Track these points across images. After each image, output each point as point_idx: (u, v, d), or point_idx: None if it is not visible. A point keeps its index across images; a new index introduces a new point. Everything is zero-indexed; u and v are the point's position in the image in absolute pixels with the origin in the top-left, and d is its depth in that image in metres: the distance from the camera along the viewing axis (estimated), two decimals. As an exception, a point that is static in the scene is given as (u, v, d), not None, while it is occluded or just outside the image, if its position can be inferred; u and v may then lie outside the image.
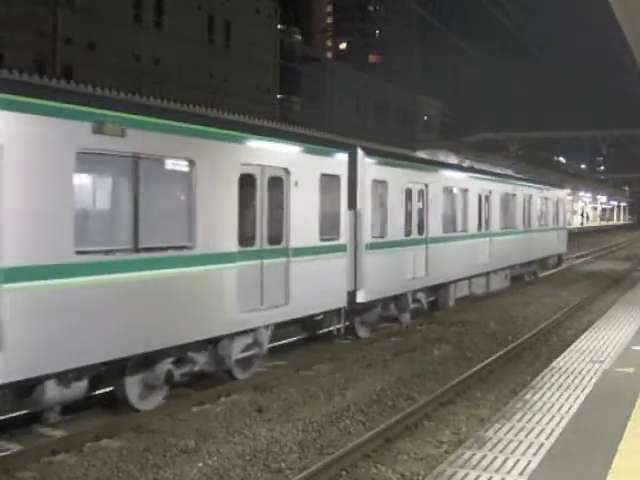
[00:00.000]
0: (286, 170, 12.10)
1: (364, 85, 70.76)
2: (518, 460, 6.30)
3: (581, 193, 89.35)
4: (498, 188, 23.22)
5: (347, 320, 14.67)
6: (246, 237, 11.03)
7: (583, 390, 8.69)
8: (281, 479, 8.00)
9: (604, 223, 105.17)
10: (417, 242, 16.98)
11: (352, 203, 14.25)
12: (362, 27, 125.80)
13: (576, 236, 68.44)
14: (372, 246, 14.81)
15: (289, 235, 12.19)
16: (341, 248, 13.80)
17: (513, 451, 6.54)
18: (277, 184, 11.97)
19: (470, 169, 22.06)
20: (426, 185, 17.51)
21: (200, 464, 8.31)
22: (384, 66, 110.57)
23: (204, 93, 37.82)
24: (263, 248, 11.47)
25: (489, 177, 23.15)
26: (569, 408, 7.91)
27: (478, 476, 5.94)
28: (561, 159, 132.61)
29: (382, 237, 15.37)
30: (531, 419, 7.52)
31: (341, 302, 13.83)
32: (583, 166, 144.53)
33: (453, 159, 21.62)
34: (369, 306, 15.15)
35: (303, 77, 60.91)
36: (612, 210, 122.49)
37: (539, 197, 28.35)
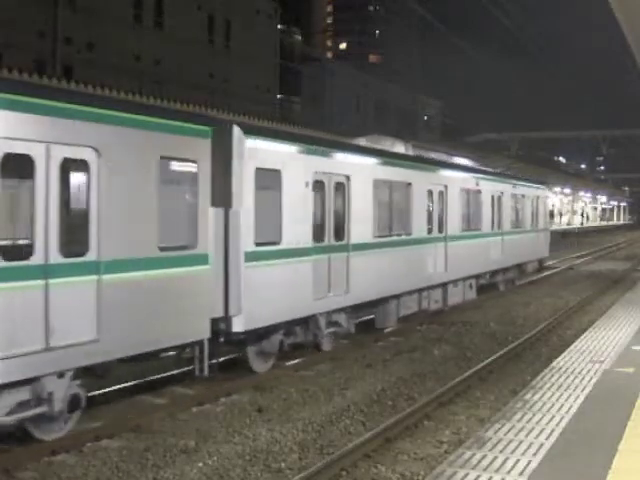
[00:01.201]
0: (96, 151, 8.68)
1: (364, 85, 70.78)
2: (518, 460, 6.30)
3: (581, 193, 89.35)
4: (457, 183, 19.69)
5: (230, 352, 12.47)
6: None
7: (583, 390, 8.69)
8: (281, 479, 8.00)
9: (604, 223, 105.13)
10: (333, 249, 13.47)
11: (222, 199, 10.80)
12: (362, 27, 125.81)
13: (576, 236, 68.53)
14: (256, 256, 11.24)
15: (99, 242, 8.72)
16: (198, 259, 10.19)
17: (513, 451, 6.54)
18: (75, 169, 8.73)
19: (416, 159, 18.54)
20: (348, 177, 14.00)
21: (200, 464, 8.31)
22: (384, 66, 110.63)
23: (204, 93, 37.83)
24: None
25: (444, 170, 19.69)
26: (569, 408, 7.91)
27: (478, 476, 5.94)
28: (561, 159, 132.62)
29: (274, 244, 11.89)
30: (531, 419, 7.52)
31: (197, 333, 10.20)
32: (583, 166, 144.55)
33: (400, 147, 18.14)
34: (266, 332, 12.05)
35: (303, 77, 60.90)
36: (612, 210, 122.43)
37: (513, 195, 24.97)
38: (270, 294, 11.64)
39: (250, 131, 11.57)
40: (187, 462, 8.38)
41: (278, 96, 53.14)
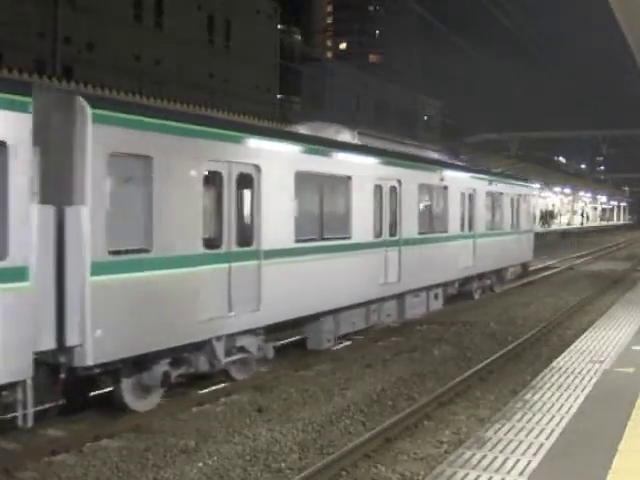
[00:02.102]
0: None
1: (364, 85, 70.81)
2: (518, 460, 6.30)
3: (581, 193, 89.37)
4: (414, 178, 16.82)
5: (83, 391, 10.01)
6: None
7: (583, 390, 8.69)
8: (281, 479, 8.00)
9: (604, 223, 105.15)
10: (236, 257, 10.76)
11: (54, 194, 8.31)
12: (362, 27, 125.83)
13: (576, 236, 68.56)
14: (109, 268, 8.74)
15: None
16: (8, 275, 7.58)
17: (513, 451, 6.54)
18: None
19: (358, 148, 15.07)
20: (258, 167, 11.30)
21: (200, 464, 8.31)
22: (384, 66, 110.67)
23: (204, 93, 37.84)
24: None
25: (396, 162, 16.23)
26: (569, 408, 7.91)
27: (478, 476, 5.95)
28: (561, 159, 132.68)
29: (140, 252, 9.24)
30: (531, 419, 7.52)
31: (11, 373, 7.66)
32: (583, 166, 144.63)
33: (346, 136, 15.37)
34: (144, 362, 9.67)
35: (303, 77, 60.95)
36: (612, 210, 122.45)
37: (489, 192, 22.26)
38: (137, 316, 9.11)
39: (103, 105, 9.03)
40: (187, 462, 8.39)
41: (278, 96, 53.16)
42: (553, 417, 7.57)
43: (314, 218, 13.12)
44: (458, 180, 19.75)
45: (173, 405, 10.48)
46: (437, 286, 18.28)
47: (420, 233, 17.02)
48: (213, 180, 10.53)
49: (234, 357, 11.18)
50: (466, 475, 5.95)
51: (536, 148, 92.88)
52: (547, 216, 68.90)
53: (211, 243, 10.37)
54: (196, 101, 23.65)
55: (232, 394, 11.18)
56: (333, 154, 13.82)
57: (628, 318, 14.51)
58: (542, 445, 6.67)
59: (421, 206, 17.36)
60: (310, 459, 8.49)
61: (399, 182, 15.99)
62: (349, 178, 14.06)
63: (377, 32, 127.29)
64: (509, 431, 7.14)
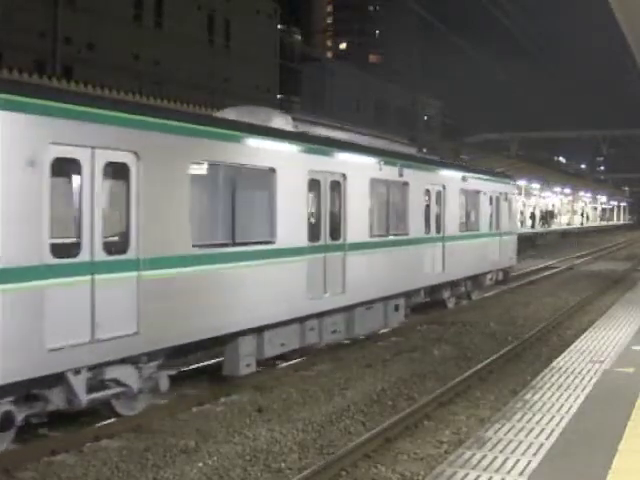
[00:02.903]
0: None
1: (364, 85, 70.79)
2: (518, 460, 6.30)
3: (581, 193, 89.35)
4: (362, 172, 14.39)
5: None
6: None
7: (583, 390, 8.69)
8: (281, 479, 8.00)
9: (604, 223, 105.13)
10: (101, 268, 8.55)
11: None
12: (362, 27, 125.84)
13: (576, 236, 68.55)
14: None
15: None
16: None
17: (513, 451, 6.54)
18: None
19: (284, 135, 12.58)
20: (135, 153, 9.10)
21: (200, 464, 8.31)
22: (384, 66, 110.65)
23: (204, 93, 37.83)
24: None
25: (340, 152, 13.81)
26: (569, 408, 7.91)
27: (478, 476, 5.94)
28: (561, 159, 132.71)
29: None
30: (531, 419, 7.52)
31: None
32: (583, 166, 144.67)
33: (279, 122, 13.09)
34: None
35: (303, 77, 60.95)
36: (612, 210, 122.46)
37: (463, 190, 19.85)
38: None
39: None
40: (187, 462, 8.38)
41: (278, 96, 53.13)
42: (553, 417, 7.57)
43: (221, 220, 11.01)
44: (422, 175, 17.19)
45: (173, 405, 10.48)
46: (397, 296, 15.91)
47: (373, 236, 14.75)
48: (67, 171, 8.81)
49: (103, 393, 8.96)
50: (466, 475, 5.95)
51: (536, 148, 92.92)
52: (547, 216, 68.87)
53: (64, 250, 8.34)
54: (196, 101, 23.65)
55: (232, 394, 11.18)
56: (246, 140, 11.26)
57: (628, 318, 14.51)
58: (542, 445, 6.67)
59: (374, 205, 14.95)
60: (310, 459, 8.49)
61: (344, 177, 13.62)
62: (272, 171, 11.75)
63: (377, 32, 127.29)
64: (509, 431, 7.14)
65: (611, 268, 35.02)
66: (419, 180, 16.99)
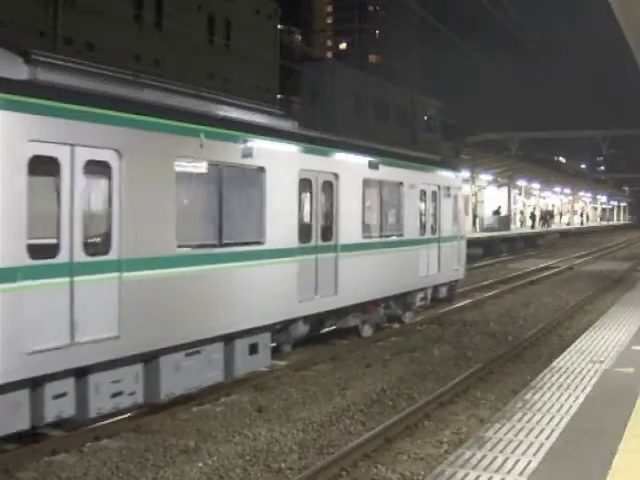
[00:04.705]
0: None
1: (364, 85, 70.73)
2: (518, 460, 6.29)
3: (581, 193, 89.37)
4: (165, 150, 9.60)
5: None
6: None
7: (583, 390, 8.69)
8: (281, 479, 8.00)
9: (604, 223, 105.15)
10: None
11: None
12: (362, 27, 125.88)
13: (576, 236, 68.54)
14: None
15: None
16: None
17: (513, 451, 6.54)
18: None
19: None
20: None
21: (200, 464, 8.32)
22: (384, 66, 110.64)
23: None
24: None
25: (117, 113, 8.97)
26: (569, 408, 7.91)
27: (478, 476, 5.94)
28: (561, 159, 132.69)
29: None
30: (531, 419, 7.52)
31: None
32: (583, 166, 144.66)
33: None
34: None
35: (303, 77, 60.92)
36: (612, 210, 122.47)
37: (371, 181, 14.92)
38: None
39: None
40: (187, 462, 8.39)
41: (278, 96, 53.14)
42: (553, 417, 7.57)
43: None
44: (288, 158, 12.19)
45: (173, 405, 10.48)
46: (253, 333, 11.18)
47: (185, 246, 9.87)
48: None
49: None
50: (466, 475, 5.95)
51: (536, 148, 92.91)
52: (547, 216, 68.89)
53: None
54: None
55: (232, 394, 11.18)
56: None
57: (628, 318, 14.50)
58: (542, 445, 6.67)
59: (186, 203, 10.42)
60: (310, 459, 8.49)
61: (119, 153, 8.73)
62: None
63: (377, 32, 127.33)
64: (509, 431, 7.13)
65: (611, 268, 35.01)
66: (283, 165, 12.04)
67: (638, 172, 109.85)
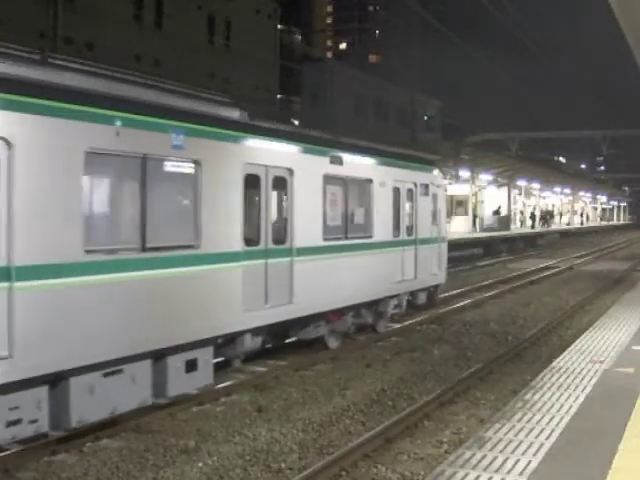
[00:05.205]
0: None
1: (364, 85, 70.74)
2: (518, 460, 6.29)
3: (581, 193, 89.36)
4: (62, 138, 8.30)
5: None
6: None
7: (583, 390, 8.69)
8: (281, 479, 8.00)
9: (604, 223, 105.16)
10: None
11: None
12: (362, 27, 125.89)
13: (576, 236, 68.54)
14: None
15: None
16: None
17: (513, 451, 6.54)
18: None
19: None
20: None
21: (200, 464, 8.32)
22: (384, 66, 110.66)
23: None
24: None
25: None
26: (569, 408, 7.91)
27: (478, 476, 5.94)
28: (561, 159, 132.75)
29: None
30: (531, 419, 7.52)
31: None
32: (583, 166, 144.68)
33: None
34: None
35: (303, 77, 60.93)
36: (612, 210, 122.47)
37: (334, 177, 13.58)
38: None
39: None
40: (187, 462, 8.39)
41: (278, 96, 53.14)
42: (553, 417, 7.57)
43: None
44: (230, 151, 10.83)
45: (173, 405, 10.48)
46: (182, 350, 9.82)
47: (95, 251, 8.60)
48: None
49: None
50: (466, 475, 5.95)
51: (536, 148, 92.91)
52: (547, 216, 68.90)
53: None
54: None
55: (232, 394, 11.18)
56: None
57: (628, 318, 14.50)
58: (542, 445, 6.67)
59: (97, 201, 9.23)
60: (310, 459, 8.49)
61: (7, 143, 7.59)
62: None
63: (377, 32, 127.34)
64: (509, 431, 7.13)
65: (611, 268, 35.01)
66: (222, 159, 10.71)
67: (638, 172, 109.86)
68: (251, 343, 11.49)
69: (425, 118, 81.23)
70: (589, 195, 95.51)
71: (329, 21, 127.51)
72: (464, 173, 46.46)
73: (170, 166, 10.00)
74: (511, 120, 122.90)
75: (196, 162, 10.08)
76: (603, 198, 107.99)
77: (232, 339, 11.09)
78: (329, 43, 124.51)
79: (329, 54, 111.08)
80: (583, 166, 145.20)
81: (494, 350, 14.79)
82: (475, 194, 49.90)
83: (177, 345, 9.65)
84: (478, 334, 16.79)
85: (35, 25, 31.55)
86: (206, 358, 10.34)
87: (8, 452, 8.34)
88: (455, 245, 37.16)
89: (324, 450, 8.81)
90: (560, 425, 7.28)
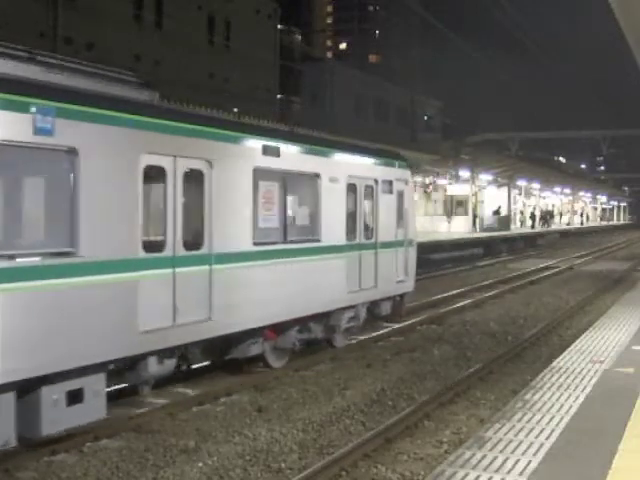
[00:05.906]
0: None
1: (364, 85, 70.77)
2: (518, 460, 6.29)
3: (581, 193, 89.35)
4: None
5: None
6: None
7: (583, 390, 8.69)
8: (281, 479, 8.00)
9: (604, 223, 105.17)
10: None
11: None
12: (362, 27, 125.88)
13: (576, 236, 68.54)
14: None
15: None
16: None
17: (513, 451, 6.54)
18: None
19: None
20: None
21: (200, 464, 8.31)
22: (384, 66, 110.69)
23: (204, 93, 37.84)
24: None
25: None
26: (569, 408, 7.91)
27: (478, 476, 5.94)
28: (561, 159, 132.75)
29: None
30: (531, 419, 7.52)
31: None
32: (583, 166, 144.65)
33: None
34: None
35: (303, 77, 60.98)
36: (612, 210, 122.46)
37: (268, 171, 11.54)
38: None
39: None
40: (187, 462, 8.39)
41: (278, 96, 53.17)
42: (553, 417, 7.57)
43: None
44: (121, 138, 8.87)
45: (173, 405, 10.48)
46: (60, 379, 8.05)
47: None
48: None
49: None
50: (466, 475, 5.95)
51: (536, 148, 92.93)
52: (547, 216, 68.90)
53: None
54: (196, 101, 23.65)
55: (232, 394, 11.18)
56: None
57: (628, 318, 14.50)
58: (542, 445, 6.67)
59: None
60: (310, 459, 8.49)
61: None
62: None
63: (377, 32, 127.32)
64: (509, 431, 7.13)
65: (611, 268, 35.00)
66: (111, 149, 8.73)
67: (638, 172, 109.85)
68: (158, 368, 9.61)
69: (425, 118, 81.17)
70: (589, 195, 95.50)
71: (329, 21, 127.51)
72: (464, 173, 46.46)
73: (36, 156, 7.93)
74: (511, 120, 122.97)
75: (72, 150, 8.11)
76: (603, 198, 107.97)
77: (133, 364, 9.31)
78: (329, 43, 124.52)
79: (329, 54, 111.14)
80: (583, 166, 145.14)
81: (494, 350, 14.79)
82: (475, 194, 49.89)
83: (54, 373, 7.84)
84: (478, 334, 16.79)
85: (35, 25, 31.58)
86: (96, 388, 8.47)
87: (8, 452, 8.34)
88: (455, 245, 37.21)
89: (324, 450, 8.80)
90: (560, 425, 7.28)
